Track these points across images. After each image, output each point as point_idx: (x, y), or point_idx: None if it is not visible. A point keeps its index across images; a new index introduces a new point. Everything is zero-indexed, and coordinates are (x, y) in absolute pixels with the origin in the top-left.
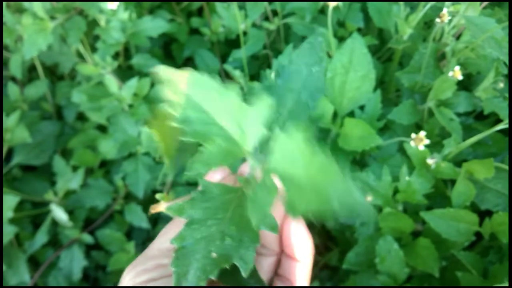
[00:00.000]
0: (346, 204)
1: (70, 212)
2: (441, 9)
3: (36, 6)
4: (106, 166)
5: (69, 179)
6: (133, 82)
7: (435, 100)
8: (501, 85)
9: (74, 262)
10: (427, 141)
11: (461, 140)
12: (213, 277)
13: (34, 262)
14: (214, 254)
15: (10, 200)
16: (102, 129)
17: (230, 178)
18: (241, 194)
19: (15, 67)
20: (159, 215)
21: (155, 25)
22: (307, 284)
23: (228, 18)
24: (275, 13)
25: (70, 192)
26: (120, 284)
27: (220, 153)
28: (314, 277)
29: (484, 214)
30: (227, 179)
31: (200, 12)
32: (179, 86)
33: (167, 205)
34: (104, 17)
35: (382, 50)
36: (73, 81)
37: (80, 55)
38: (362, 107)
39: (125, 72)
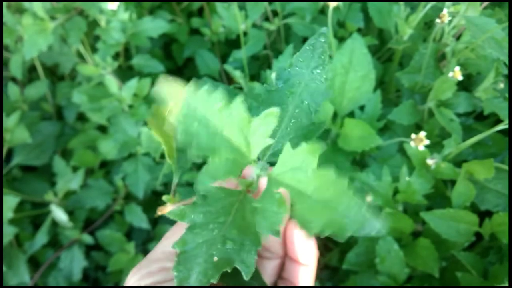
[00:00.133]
0: (357, 220)
1: (70, 213)
2: (441, 10)
3: (37, 6)
4: (106, 167)
5: (69, 180)
6: (133, 83)
7: (435, 100)
8: (501, 85)
9: (74, 262)
10: (427, 142)
11: (461, 141)
12: (214, 281)
13: (34, 263)
14: (215, 258)
15: (10, 201)
16: (102, 129)
17: (232, 181)
18: (243, 198)
19: (15, 68)
20: (159, 216)
21: (155, 25)
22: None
23: (229, 18)
24: (275, 13)
25: (70, 192)
26: (125, 286)
27: (226, 165)
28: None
29: (484, 215)
30: (229, 183)
31: (200, 12)
32: (181, 99)
33: (170, 209)
34: (105, 17)
35: (382, 50)
36: (73, 82)
37: (80, 56)
38: (362, 108)
39: (125, 73)
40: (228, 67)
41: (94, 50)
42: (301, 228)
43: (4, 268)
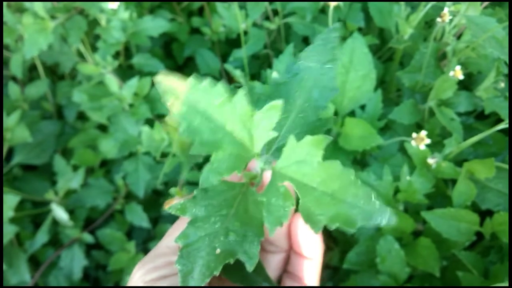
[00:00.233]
0: (366, 211)
1: (71, 212)
2: (442, 9)
3: (37, 5)
4: (107, 166)
5: (70, 179)
6: (133, 82)
7: (436, 99)
8: (502, 84)
9: (74, 261)
10: (428, 141)
11: (462, 140)
12: (217, 273)
13: (34, 262)
14: (218, 250)
15: (11, 200)
16: (102, 128)
17: (235, 175)
18: (245, 190)
19: (15, 67)
20: (160, 214)
21: (155, 24)
22: (316, 282)
23: (229, 18)
24: (275, 12)
25: (70, 191)
26: (130, 282)
27: (230, 159)
28: None
29: (485, 214)
30: (232, 176)
31: (200, 11)
32: (182, 94)
33: (171, 204)
34: (105, 16)
35: (383, 50)
36: (73, 81)
37: (80, 55)
38: (363, 107)
39: (125, 72)
40: (228, 67)
41: (94, 49)
42: (307, 222)
43: (5, 267)
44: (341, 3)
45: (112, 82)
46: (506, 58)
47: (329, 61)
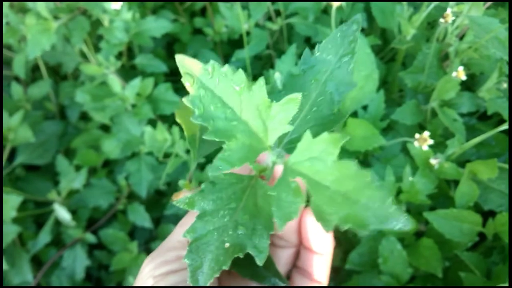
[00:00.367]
0: (380, 213)
1: (73, 212)
2: (444, 9)
3: (40, 6)
4: (109, 166)
5: (72, 179)
6: (136, 82)
7: (438, 100)
8: (505, 85)
9: (77, 261)
10: (430, 142)
11: (465, 141)
12: (226, 268)
13: (37, 262)
14: (227, 244)
15: (13, 200)
16: (105, 128)
17: (245, 167)
18: (255, 183)
19: (18, 67)
20: (162, 214)
21: (158, 25)
22: (326, 277)
23: (231, 18)
24: (278, 13)
25: (73, 191)
26: (139, 276)
27: (243, 150)
28: None
29: (487, 215)
30: (243, 169)
31: (203, 12)
32: (198, 77)
33: (178, 198)
34: (108, 17)
35: (385, 50)
36: (76, 81)
37: (83, 55)
38: (365, 107)
39: (128, 72)
40: None
41: (97, 49)
42: (318, 220)
43: (7, 267)
44: (343, 3)
45: (115, 82)
46: (507, 58)
47: (347, 54)
